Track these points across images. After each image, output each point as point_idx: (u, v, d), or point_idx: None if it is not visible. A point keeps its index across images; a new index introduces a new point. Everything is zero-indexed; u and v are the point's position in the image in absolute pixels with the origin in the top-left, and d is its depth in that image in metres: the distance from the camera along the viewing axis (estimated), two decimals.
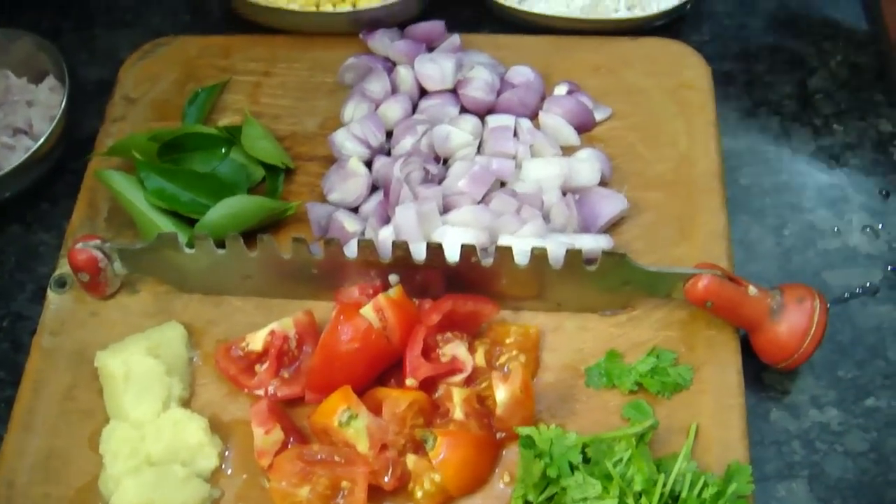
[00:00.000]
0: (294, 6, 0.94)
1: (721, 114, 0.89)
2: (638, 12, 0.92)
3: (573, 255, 0.73)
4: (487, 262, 0.74)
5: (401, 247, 0.74)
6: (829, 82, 0.93)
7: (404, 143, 0.83)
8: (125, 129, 0.91)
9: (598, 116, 0.87)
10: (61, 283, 0.83)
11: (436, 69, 0.86)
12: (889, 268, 0.82)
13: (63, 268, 0.83)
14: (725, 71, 0.94)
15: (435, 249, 0.73)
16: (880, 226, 0.85)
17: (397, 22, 0.92)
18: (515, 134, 0.84)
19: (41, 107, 0.92)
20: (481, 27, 0.97)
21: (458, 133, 0.82)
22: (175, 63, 0.94)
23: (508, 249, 0.73)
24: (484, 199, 0.79)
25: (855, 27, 0.96)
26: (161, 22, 1.02)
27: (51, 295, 0.82)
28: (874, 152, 0.89)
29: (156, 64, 0.95)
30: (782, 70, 0.94)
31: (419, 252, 0.74)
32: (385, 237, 0.77)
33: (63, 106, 0.89)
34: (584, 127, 0.86)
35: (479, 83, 0.85)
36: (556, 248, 0.75)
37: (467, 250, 0.73)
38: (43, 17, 1.04)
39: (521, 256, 0.74)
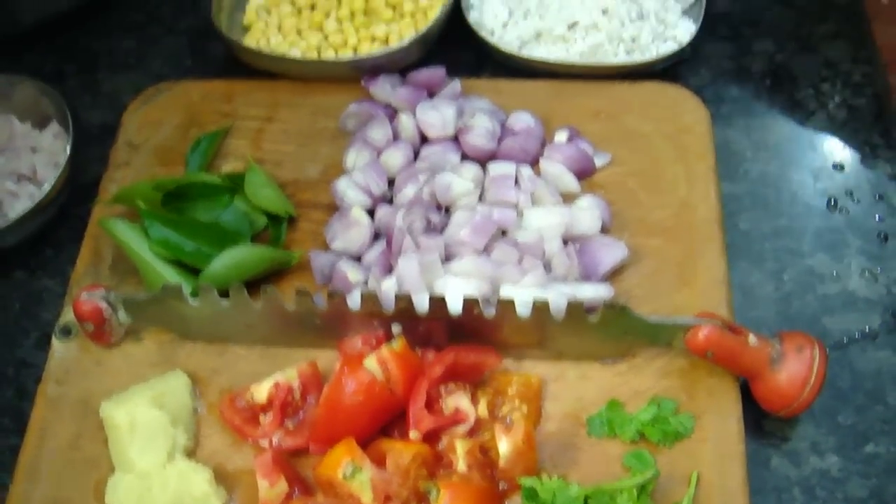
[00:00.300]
0: (296, 53, 0.96)
1: (720, 158, 0.91)
2: (637, 57, 0.94)
3: (574, 307, 0.74)
4: (490, 312, 0.76)
5: (403, 299, 0.75)
6: (827, 125, 0.95)
7: (406, 192, 0.84)
8: (129, 176, 0.93)
9: (599, 162, 0.88)
10: (66, 332, 0.84)
11: (437, 117, 0.88)
12: (888, 312, 0.84)
13: (68, 316, 0.85)
14: (724, 114, 0.95)
15: (437, 301, 0.75)
16: (879, 270, 0.86)
17: (398, 67, 0.94)
18: (516, 181, 0.85)
19: (45, 153, 0.93)
20: (482, 70, 0.99)
21: (460, 182, 0.84)
22: (177, 108, 0.96)
23: (510, 301, 0.75)
24: (486, 248, 0.81)
25: (851, 69, 0.98)
26: (163, 65, 1.04)
27: (55, 343, 0.84)
28: (873, 195, 0.90)
29: (158, 109, 0.96)
30: (781, 113, 0.95)
31: (422, 304, 0.75)
32: (388, 288, 0.78)
33: (68, 153, 0.90)
34: (585, 173, 0.88)
35: (481, 130, 0.87)
36: (557, 298, 0.76)
37: (469, 303, 0.75)
38: (46, 61, 1.05)
39: (523, 307, 0.75)
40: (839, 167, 0.92)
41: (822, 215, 0.90)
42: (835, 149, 0.93)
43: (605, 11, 0.93)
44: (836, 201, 0.90)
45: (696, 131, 0.91)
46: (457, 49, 0.99)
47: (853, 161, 0.92)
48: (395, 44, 0.93)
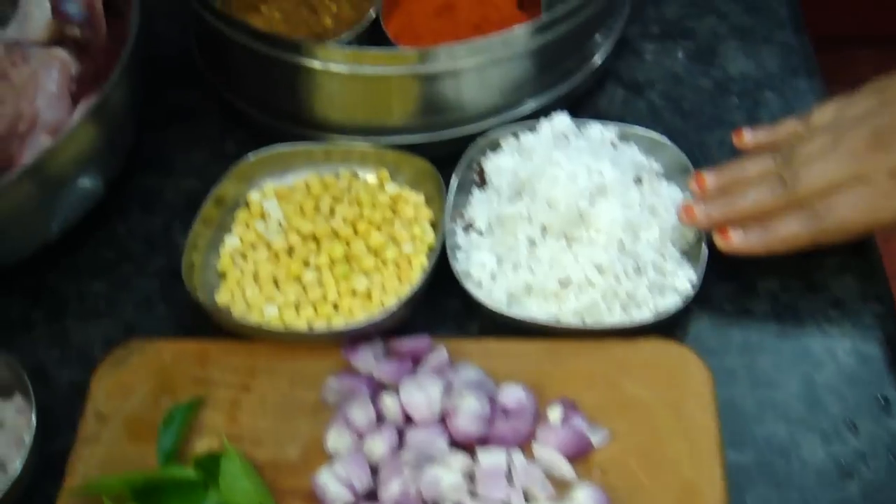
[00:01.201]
0: (272, 310, 0.94)
1: (725, 420, 0.89)
2: (634, 313, 0.92)
3: None
4: None
5: None
6: (837, 376, 0.92)
7: (391, 488, 0.82)
8: (97, 453, 0.90)
9: (596, 441, 0.86)
10: None
11: (422, 398, 0.85)
12: None
13: None
14: (728, 367, 0.93)
15: None
16: None
17: (382, 332, 0.92)
18: (508, 469, 0.83)
19: (9, 429, 0.91)
20: (471, 320, 0.97)
21: (448, 476, 0.81)
22: (148, 372, 0.94)
23: None
24: None
25: (861, 309, 0.96)
26: (134, 313, 1.02)
27: None
28: (888, 459, 0.88)
29: (128, 373, 0.94)
30: (788, 365, 0.93)
31: None
32: None
33: (33, 431, 0.88)
34: (581, 454, 0.85)
35: (469, 415, 0.85)
36: None
37: None
38: (13, 306, 1.03)
39: None
40: (851, 426, 0.90)
41: (834, 486, 0.87)
42: (846, 404, 0.91)
43: (599, 268, 0.91)
44: (848, 468, 0.88)
45: (699, 398, 0.88)
46: (444, 297, 0.97)
47: (866, 418, 0.90)
48: (377, 312, 0.92)
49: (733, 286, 0.98)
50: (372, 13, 1.07)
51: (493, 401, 0.88)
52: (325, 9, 1.13)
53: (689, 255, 0.96)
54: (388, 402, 0.87)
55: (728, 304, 0.97)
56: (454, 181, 1.00)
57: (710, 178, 0.94)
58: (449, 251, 0.96)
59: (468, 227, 1.00)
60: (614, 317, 0.92)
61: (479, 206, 1.01)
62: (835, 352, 0.94)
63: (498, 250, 0.97)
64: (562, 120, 1.02)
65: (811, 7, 1.27)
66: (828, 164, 0.89)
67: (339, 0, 1.14)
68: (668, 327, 0.94)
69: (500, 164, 1.02)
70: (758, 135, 0.98)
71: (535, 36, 1.00)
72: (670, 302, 0.92)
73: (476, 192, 1.03)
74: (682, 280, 0.93)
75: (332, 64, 0.99)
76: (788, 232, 0.90)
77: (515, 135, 1.04)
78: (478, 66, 0.99)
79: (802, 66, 1.15)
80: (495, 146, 1.04)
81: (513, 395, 0.88)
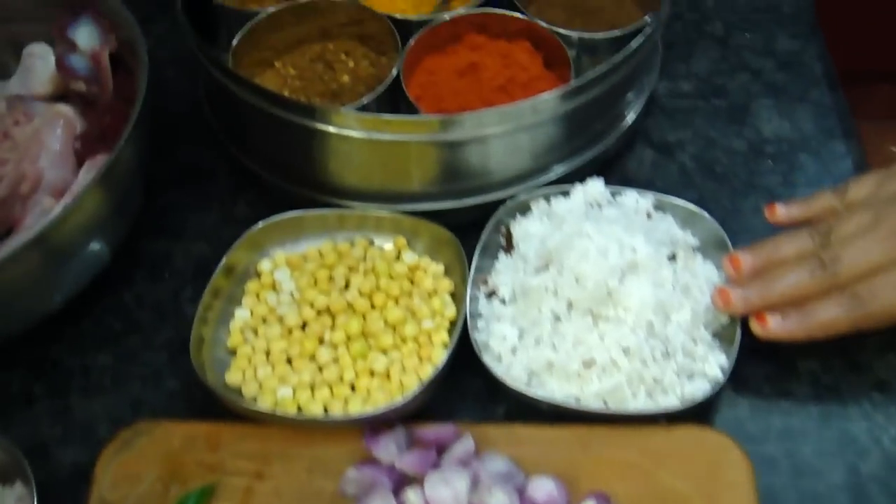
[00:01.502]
0: (286, 391, 0.90)
1: None
2: (660, 398, 0.87)
3: None
4: None
5: None
6: (883, 466, 0.89)
7: None
8: None
9: None
10: None
11: (448, 494, 0.81)
12: None
13: None
14: (769, 456, 0.89)
15: None
16: None
17: (401, 417, 0.88)
18: None
19: None
20: (495, 404, 0.93)
21: None
22: (157, 456, 0.90)
23: None
24: None
25: None
26: (141, 389, 0.97)
27: None
28: None
29: (135, 458, 0.90)
30: (831, 452, 0.89)
31: None
32: None
33: None
34: None
35: None
36: None
37: None
38: (14, 379, 0.99)
39: None
40: None
41: None
42: (893, 497, 0.87)
43: (626, 350, 0.87)
44: None
45: (738, 490, 0.84)
46: (465, 372, 0.93)
47: None
48: (397, 395, 0.88)
49: (772, 367, 0.94)
50: (393, 72, 1.02)
51: (521, 494, 0.84)
52: (341, 65, 1.09)
53: (721, 336, 0.92)
54: (412, 497, 0.83)
55: (767, 387, 0.93)
56: (479, 243, 0.97)
57: (745, 260, 0.90)
58: (469, 320, 0.92)
59: (491, 295, 0.96)
60: (639, 402, 0.87)
61: (505, 273, 0.97)
62: (880, 438, 0.90)
63: (521, 323, 0.92)
64: (595, 187, 0.98)
65: (831, 42, 1.24)
66: (868, 245, 0.85)
67: (357, 56, 1.10)
68: (702, 412, 0.90)
69: (529, 229, 0.98)
70: (791, 210, 0.94)
71: (567, 100, 0.96)
72: (699, 388, 0.88)
73: (502, 256, 0.99)
74: (713, 365, 0.89)
75: (349, 130, 0.95)
76: (829, 317, 0.86)
77: (547, 198, 1.00)
78: (504, 132, 0.95)
79: (839, 128, 1.12)
80: (525, 209, 1.00)
81: (543, 488, 0.84)
